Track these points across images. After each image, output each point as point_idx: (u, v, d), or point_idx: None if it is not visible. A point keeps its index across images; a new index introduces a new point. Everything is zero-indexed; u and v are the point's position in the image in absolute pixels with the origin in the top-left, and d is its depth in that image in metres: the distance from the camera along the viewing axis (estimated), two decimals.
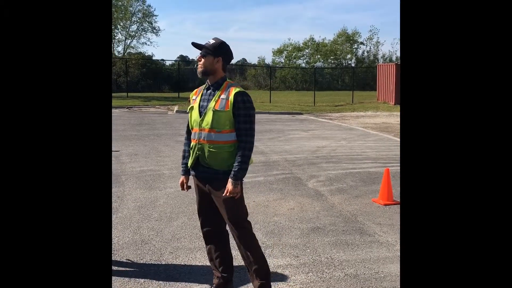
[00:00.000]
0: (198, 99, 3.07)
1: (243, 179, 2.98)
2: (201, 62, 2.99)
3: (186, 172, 3.22)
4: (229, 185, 2.89)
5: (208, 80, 3.05)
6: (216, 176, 2.98)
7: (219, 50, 2.99)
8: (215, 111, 2.93)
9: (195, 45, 3.02)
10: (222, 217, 3.10)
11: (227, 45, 3.05)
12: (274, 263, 3.77)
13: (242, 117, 2.93)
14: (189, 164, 3.10)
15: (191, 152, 3.08)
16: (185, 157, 3.21)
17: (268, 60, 50.64)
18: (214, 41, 3.01)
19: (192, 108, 3.09)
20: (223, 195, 2.93)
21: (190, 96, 3.20)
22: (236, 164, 2.91)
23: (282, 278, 3.54)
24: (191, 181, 3.22)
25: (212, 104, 2.96)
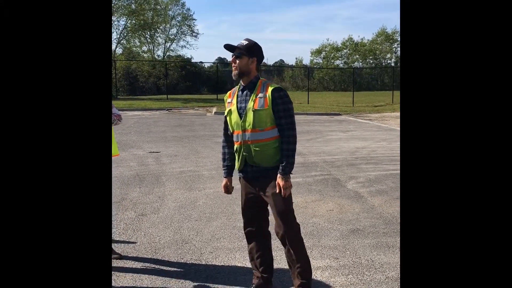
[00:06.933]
0: (234, 101, 3.09)
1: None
2: (235, 64, 3.00)
3: (228, 174, 3.25)
4: (280, 181, 2.92)
5: (241, 81, 3.07)
6: (266, 174, 3.01)
7: (253, 51, 3.00)
8: (255, 111, 2.95)
9: (227, 47, 3.02)
10: (265, 218, 3.15)
11: (259, 45, 3.06)
12: (313, 264, 3.74)
13: (282, 112, 2.95)
14: (237, 167, 3.14)
15: (236, 155, 3.10)
16: (226, 160, 3.25)
17: (306, 61, 50.51)
18: (247, 42, 3.02)
19: (230, 111, 3.11)
20: (277, 192, 2.94)
21: (225, 99, 3.21)
22: (283, 159, 2.93)
23: (322, 279, 3.51)
24: (234, 183, 3.25)
25: (250, 104, 2.98)
